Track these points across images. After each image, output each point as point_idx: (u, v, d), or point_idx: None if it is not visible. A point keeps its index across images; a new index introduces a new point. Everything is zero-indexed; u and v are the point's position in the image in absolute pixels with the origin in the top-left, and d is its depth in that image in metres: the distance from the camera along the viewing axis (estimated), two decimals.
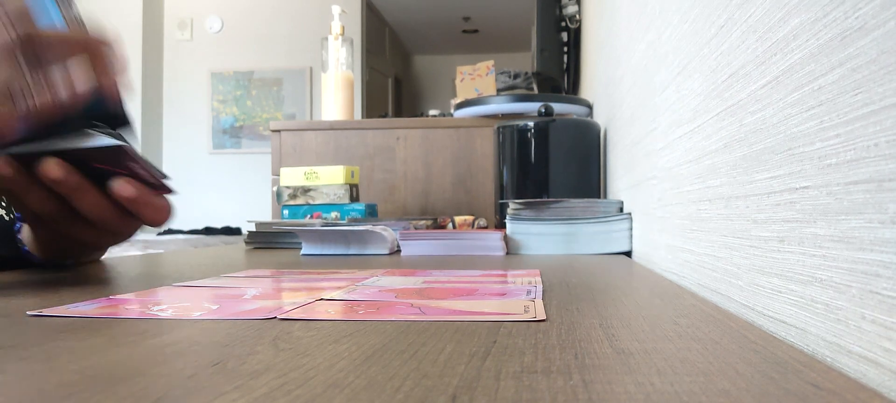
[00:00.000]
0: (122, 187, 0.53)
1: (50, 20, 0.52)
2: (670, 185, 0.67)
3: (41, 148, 0.51)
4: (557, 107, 1.49)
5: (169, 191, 0.58)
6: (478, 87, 2.15)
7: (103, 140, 0.50)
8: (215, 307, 0.39)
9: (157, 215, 0.57)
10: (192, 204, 4.93)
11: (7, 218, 0.75)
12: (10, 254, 0.73)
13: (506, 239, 0.94)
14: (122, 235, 0.60)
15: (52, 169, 0.51)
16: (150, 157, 4.79)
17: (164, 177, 0.56)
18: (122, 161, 0.52)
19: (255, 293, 0.45)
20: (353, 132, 1.86)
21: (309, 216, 1.45)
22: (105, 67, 0.50)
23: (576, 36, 1.94)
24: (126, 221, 0.57)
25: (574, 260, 0.78)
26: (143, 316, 0.36)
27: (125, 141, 0.52)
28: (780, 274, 0.37)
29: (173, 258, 0.85)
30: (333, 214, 1.42)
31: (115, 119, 0.54)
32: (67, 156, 0.52)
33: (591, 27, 1.63)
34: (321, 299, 0.42)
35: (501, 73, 2.29)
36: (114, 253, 0.95)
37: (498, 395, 0.20)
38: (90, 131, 0.51)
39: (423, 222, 1.19)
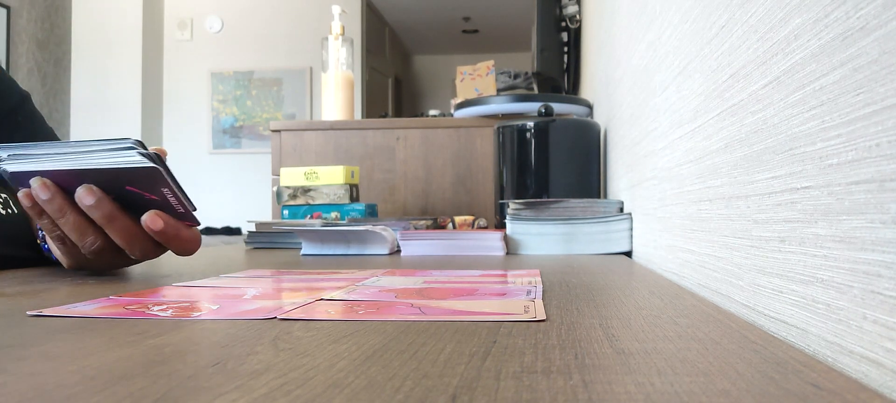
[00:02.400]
0: (152, 220, 0.54)
1: None
2: (671, 185, 0.66)
3: (76, 165, 0.52)
4: (557, 107, 1.49)
5: (196, 222, 0.59)
6: (478, 87, 2.15)
7: (138, 160, 0.51)
8: (215, 307, 0.39)
9: (185, 246, 0.58)
10: None
11: (4, 212, 0.75)
12: (29, 255, 0.73)
13: (506, 239, 0.94)
14: (147, 259, 0.61)
15: (86, 195, 0.52)
16: None
17: (193, 207, 0.57)
18: (155, 185, 0.53)
19: (255, 293, 0.45)
20: (353, 132, 1.86)
21: (309, 216, 1.45)
22: None
23: (576, 36, 1.94)
24: (154, 249, 0.58)
25: (574, 260, 0.78)
26: (143, 315, 0.36)
27: (160, 163, 0.52)
28: (781, 275, 0.37)
29: (173, 258, 0.85)
30: (333, 214, 1.42)
31: None
32: (101, 176, 0.52)
33: (591, 27, 1.63)
34: (321, 299, 0.42)
35: (501, 73, 2.29)
36: None
37: (498, 395, 0.20)
38: (126, 150, 0.52)
39: (423, 222, 1.19)
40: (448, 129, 1.82)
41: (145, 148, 0.53)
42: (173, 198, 0.55)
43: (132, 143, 0.51)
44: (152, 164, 0.51)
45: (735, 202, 0.45)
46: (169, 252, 0.60)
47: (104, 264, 0.60)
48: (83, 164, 0.52)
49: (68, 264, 0.64)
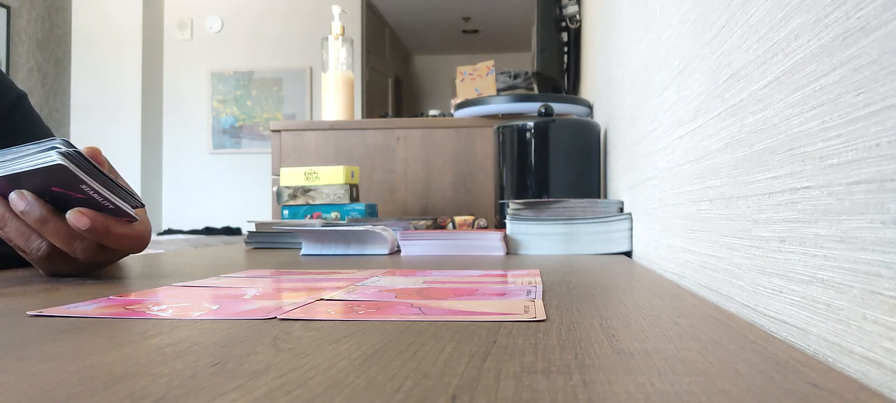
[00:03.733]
0: (76, 219, 0.52)
1: None
2: (671, 185, 0.66)
3: (4, 172, 0.50)
4: (557, 107, 1.49)
5: (131, 217, 0.56)
6: (478, 87, 2.15)
7: (48, 159, 0.49)
8: (215, 307, 0.39)
9: (122, 243, 0.55)
10: (192, 204, 4.92)
11: None
12: (13, 252, 0.73)
13: (506, 239, 0.94)
14: (96, 260, 0.58)
15: (17, 200, 0.51)
16: (150, 158, 4.79)
17: (134, 204, 0.54)
18: (73, 183, 0.51)
19: (255, 293, 0.45)
20: (353, 132, 1.86)
21: (309, 216, 1.45)
22: None
23: (576, 36, 1.94)
24: (98, 250, 0.56)
25: (574, 260, 0.78)
26: (143, 315, 0.36)
27: (73, 161, 0.50)
28: (781, 275, 0.37)
29: (173, 258, 0.85)
30: (333, 214, 1.42)
31: None
32: (33, 180, 0.51)
33: (591, 27, 1.63)
34: (321, 299, 0.42)
35: (501, 73, 2.29)
36: None
37: (498, 395, 0.20)
38: (45, 151, 0.50)
39: (423, 222, 1.19)
40: (448, 129, 1.82)
41: (71, 147, 0.50)
42: (97, 195, 0.52)
43: (58, 143, 0.49)
44: (59, 162, 0.49)
45: (735, 202, 0.45)
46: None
47: (62, 268, 0.58)
48: (10, 170, 0.51)
49: (44, 271, 0.62)
